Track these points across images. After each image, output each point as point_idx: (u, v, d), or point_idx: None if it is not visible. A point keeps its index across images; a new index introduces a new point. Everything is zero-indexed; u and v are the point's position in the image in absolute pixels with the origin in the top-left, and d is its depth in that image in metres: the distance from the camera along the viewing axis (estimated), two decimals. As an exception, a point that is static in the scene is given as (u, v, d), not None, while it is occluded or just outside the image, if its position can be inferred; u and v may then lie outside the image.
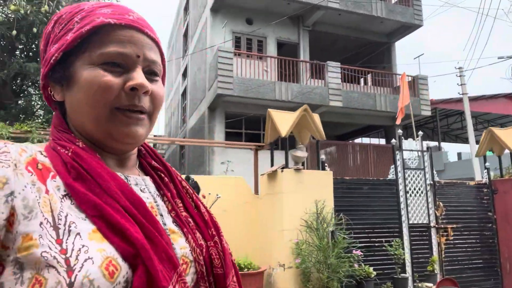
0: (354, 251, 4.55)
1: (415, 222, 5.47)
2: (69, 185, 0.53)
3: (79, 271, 0.47)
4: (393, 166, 5.52)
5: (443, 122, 19.00)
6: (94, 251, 0.49)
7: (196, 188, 4.10)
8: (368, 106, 12.33)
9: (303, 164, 5.13)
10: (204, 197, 4.73)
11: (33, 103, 8.82)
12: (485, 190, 5.96)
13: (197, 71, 14.19)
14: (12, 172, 0.49)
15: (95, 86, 0.58)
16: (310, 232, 4.39)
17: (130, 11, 0.64)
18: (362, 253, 4.65)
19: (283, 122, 4.68)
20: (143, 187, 0.65)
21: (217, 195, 4.67)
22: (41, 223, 0.48)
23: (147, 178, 0.67)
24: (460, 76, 14.11)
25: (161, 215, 0.63)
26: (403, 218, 5.42)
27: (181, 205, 0.67)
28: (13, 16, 6.96)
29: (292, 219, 4.43)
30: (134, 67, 0.60)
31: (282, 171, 4.59)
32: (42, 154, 0.57)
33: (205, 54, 12.49)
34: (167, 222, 0.63)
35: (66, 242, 0.49)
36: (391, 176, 5.49)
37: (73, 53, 0.61)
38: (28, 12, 7.02)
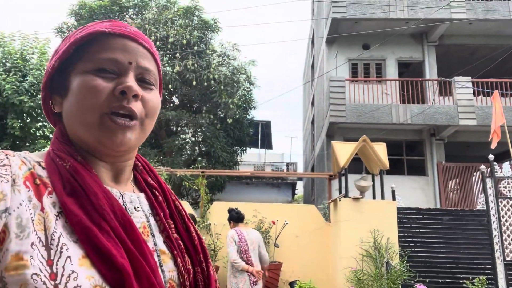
0: (417, 286, 4.34)
1: (516, 260, 4.72)
2: (62, 202, 0.53)
3: None
4: (482, 195, 4.96)
5: None
6: (83, 279, 0.49)
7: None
8: (512, 122, 10.60)
9: (374, 193, 5.17)
10: (273, 223, 5.32)
11: (176, 142, 10.99)
12: None
13: (319, 100, 14.85)
14: (10, 188, 0.49)
15: (85, 90, 0.59)
16: (368, 261, 4.45)
17: (127, 25, 0.66)
18: (428, 288, 4.36)
19: (342, 153, 4.91)
20: (138, 205, 0.65)
21: (285, 221, 5.18)
22: (32, 244, 0.48)
23: (142, 195, 0.67)
24: None
25: (153, 235, 0.63)
26: (497, 254, 4.77)
27: (173, 226, 0.66)
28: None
29: (349, 247, 4.57)
30: (125, 73, 0.61)
31: (340, 200, 4.80)
32: (40, 165, 0.57)
33: (323, 84, 13.08)
34: (158, 242, 0.63)
35: (57, 265, 0.48)
36: (480, 206, 4.95)
37: (71, 63, 0.62)
38: (165, 72, 9.04)
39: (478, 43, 12.40)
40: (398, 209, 4.91)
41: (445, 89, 11.74)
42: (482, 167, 4.97)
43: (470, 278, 4.70)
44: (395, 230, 4.67)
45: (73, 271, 0.49)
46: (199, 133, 11.56)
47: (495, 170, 5.00)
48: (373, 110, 10.96)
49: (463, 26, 11.77)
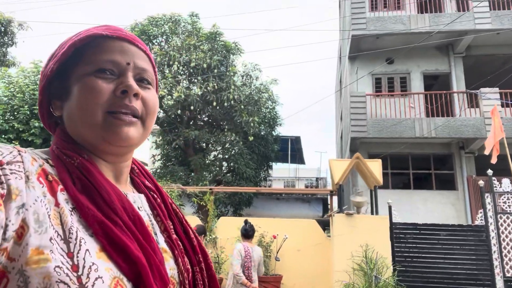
0: (408, 299, 4.40)
1: (517, 277, 4.63)
2: (75, 199, 0.55)
3: None
4: (481, 210, 4.94)
5: None
6: (103, 270, 0.51)
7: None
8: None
9: (372, 208, 5.30)
10: (274, 237, 5.59)
11: (203, 159, 11.54)
12: None
13: (345, 115, 14.93)
14: (25, 184, 0.50)
15: (87, 92, 0.60)
16: (359, 275, 4.59)
17: (123, 29, 0.68)
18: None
19: (337, 170, 5.12)
20: (140, 205, 0.66)
21: (284, 235, 5.44)
22: (51, 238, 0.49)
23: (142, 196, 0.69)
24: None
25: (155, 234, 0.65)
26: (497, 270, 4.71)
27: (171, 227, 0.68)
28: (178, 99, 9.79)
29: (342, 261, 4.74)
30: (124, 73, 0.63)
31: (333, 215, 5.00)
32: (48, 162, 0.58)
33: (347, 99, 13.19)
34: (160, 241, 0.64)
35: (77, 257, 0.50)
36: (478, 221, 4.92)
37: (70, 67, 0.64)
38: (187, 95, 9.68)
39: (509, 53, 11.97)
40: (395, 224, 5.00)
41: (473, 101, 11.42)
42: (481, 182, 4.95)
43: (469, 294, 4.67)
44: (387, 244, 4.78)
45: (93, 263, 0.50)
46: (225, 151, 12.07)
47: (495, 185, 4.96)
48: (394, 124, 10.91)
49: (490, 36, 11.47)
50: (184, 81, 10.11)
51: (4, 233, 0.46)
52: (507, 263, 4.71)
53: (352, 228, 4.83)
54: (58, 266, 0.47)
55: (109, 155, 0.65)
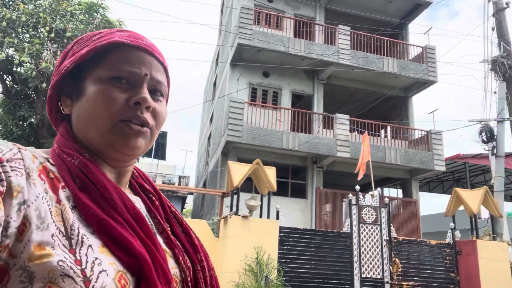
0: (290, 298, 4.85)
1: (369, 276, 5.63)
2: (76, 196, 0.55)
3: (96, 281, 0.48)
4: (348, 219, 5.81)
5: (480, 178, 18.34)
6: (107, 264, 0.51)
7: None
8: (377, 159, 12.48)
9: (261, 212, 5.61)
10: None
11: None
12: (448, 250, 5.99)
13: (218, 118, 15.28)
14: (26, 181, 0.50)
15: (101, 99, 0.61)
16: (250, 276, 4.80)
17: (144, 37, 0.69)
18: (301, 301, 4.92)
19: (237, 173, 5.26)
20: (138, 206, 0.66)
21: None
22: (53, 235, 0.49)
23: (138, 199, 0.70)
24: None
25: (155, 233, 0.65)
26: (356, 271, 5.62)
27: (169, 228, 0.68)
28: (45, 71, 8.37)
29: (234, 262, 4.88)
30: (140, 84, 0.64)
31: (230, 217, 5.11)
32: (49, 161, 0.58)
33: (224, 103, 13.56)
34: (160, 241, 0.64)
35: (79, 253, 0.50)
36: (345, 229, 5.77)
37: (86, 68, 0.64)
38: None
39: (357, 87, 14.38)
40: (280, 228, 5.44)
41: (328, 123, 13.27)
42: (350, 195, 5.83)
43: (333, 291, 5.42)
44: (275, 247, 5.15)
45: (96, 258, 0.51)
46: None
47: (360, 199, 5.92)
48: (267, 134, 11.78)
49: (347, 71, 13.57)
50: (57, 52, 8.69)
51: (6, 230, 0.46)
52: (363, 266, 5.66)
53: (246, 231, 5.02)
54: (61, 260, 0.47)
55: (113, 161, 0.65)
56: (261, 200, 5.75)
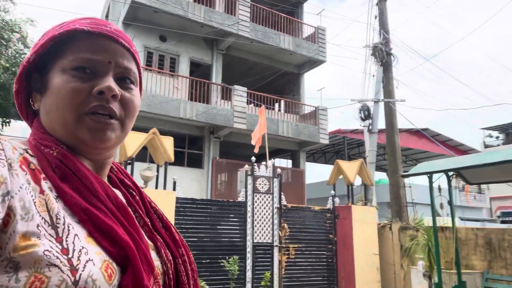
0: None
1: (260, 241, 6.01)
2: (57, 187, 0.54)
3: (83, 270, 0.48)
4: (243, 189, 6.04)
5: (355, 150, 20.73)
6: (93, 254, 0.51)
7: None
8: (271, 131, 13.10)
9: (157, 183, 5.44)
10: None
11: None
12: (329, 215, 6.72)
13: (108, 81, 14.10)
14: (8, 172, 0.49)
15: (63, 91, 0.59)
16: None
17: (107, 23, 0.66)
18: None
19: (131, 143, 4.98)
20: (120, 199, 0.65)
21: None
22: (38, 225, 0.48)
23: (119, 192, 0.68)
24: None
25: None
26: (248, 237, 5.93)
27: (150, 223, 0.68)
28: None
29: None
30: (104, 73, 0.61)
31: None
32: (28, 152, 0.57)
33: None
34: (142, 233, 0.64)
35: (67, 241, 0.49)
36: (241, 198, 6.00)
37: (49, 61, 0.62)
38: None
39: (256, 61, 14.68)
40: (177, 198, 5.38)
41: (227, 94, 13.36)
42: (246, 166, 6.04)
43: (227, 258, 5.65)
44: (172, 218, 5.10)
45: (83, 247, 0.50)
46: None
47: (255, 169, 6.17)
48: (163, 102, 11.33)
49: (246, 44, 13.70)
50: None
51: None
52: (255, 232, 6.00)
53: (141, 203, 4.84)
54: (47, 250, 0.47)
55: (88, 154, 0.64)
56: (157, 171, 5.57)
